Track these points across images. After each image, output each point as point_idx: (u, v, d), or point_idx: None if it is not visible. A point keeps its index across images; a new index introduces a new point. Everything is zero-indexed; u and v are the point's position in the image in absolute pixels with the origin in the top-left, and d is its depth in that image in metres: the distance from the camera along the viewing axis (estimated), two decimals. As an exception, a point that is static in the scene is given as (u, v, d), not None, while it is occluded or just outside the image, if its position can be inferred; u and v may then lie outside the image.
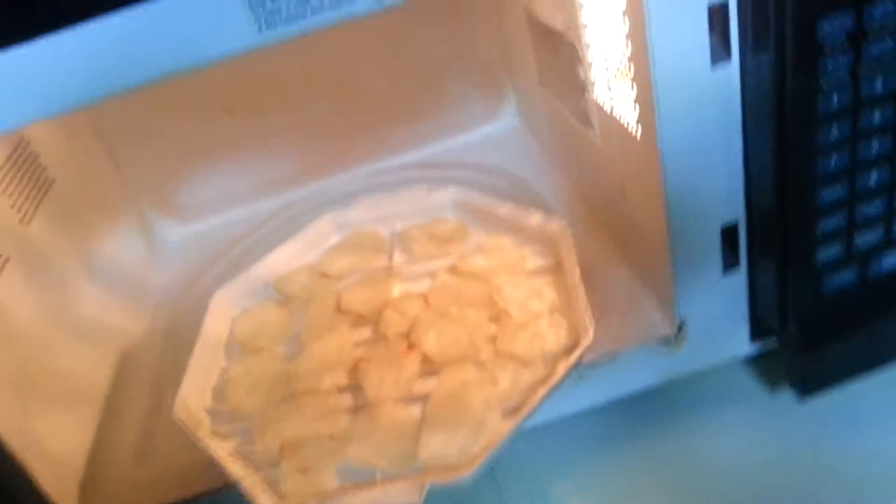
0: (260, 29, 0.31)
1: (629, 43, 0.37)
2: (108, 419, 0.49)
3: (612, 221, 0.51)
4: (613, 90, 0.43)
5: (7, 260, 0.47)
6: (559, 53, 0.49)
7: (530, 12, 0.55)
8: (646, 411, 0.47)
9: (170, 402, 0.43)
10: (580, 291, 0.44)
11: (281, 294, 0.53)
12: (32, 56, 0.30)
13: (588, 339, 0.41)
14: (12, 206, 0.50)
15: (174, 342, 0.52)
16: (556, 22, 0.49)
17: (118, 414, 0.49)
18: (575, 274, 0.45)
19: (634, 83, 0.38)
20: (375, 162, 0.69)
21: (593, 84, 0.46)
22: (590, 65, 0.45)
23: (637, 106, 0.39)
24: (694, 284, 0.42)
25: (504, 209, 0.53)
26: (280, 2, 0.31)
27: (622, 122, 0.42)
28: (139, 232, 0.67)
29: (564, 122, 0.56)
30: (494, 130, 0.69)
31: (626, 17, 0.36)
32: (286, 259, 0.55)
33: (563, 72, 0.50)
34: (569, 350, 0.42)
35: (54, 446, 0.43)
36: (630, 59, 0.38)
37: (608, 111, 0.44)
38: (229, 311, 0.52)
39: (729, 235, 0.40)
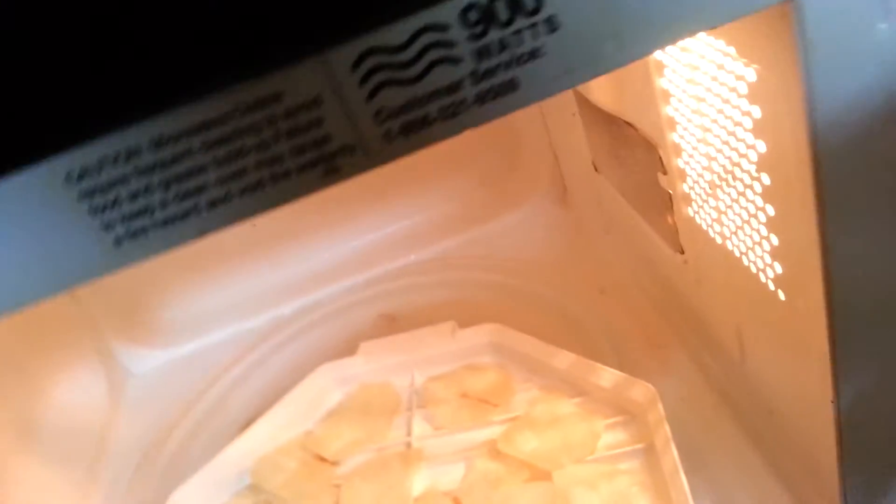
0: (118, 242, 0.17)
1: (767, 175, 0.22)
2: None
3: (727, 384, 0.35)
4: (726, 222, 0.27)
5: None
6: (628, 145, 0.34)
7: (578, 91, 0.39)
8: None
9: None
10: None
11: (261, 490, 0.39)
12: None
13: None
14: None
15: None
16: (624, 114, 0.33)
17: None
18: (679, 479, 0.30)
19: (772, 234, 0.23)
20: (392, 261, 0.55)
21: (687, 200, 0.31)
22: (681, 174, 0.30)
23: (778, 264, 0.24)
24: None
25: (563, 360, 0.38)
26: (148, 197, 0.17)
27: (748, 268, 0.27)
28: (100, 371, 0.53)
29: (636, 228, 0.40)
30: (531, 214, 0.53)
31: (759, 140, 0.21)
32: (270, 431, 0.41)
33: (636, 170, 0.35)
34: None
35: None
36: (767, 196, 0.23)
37: (715, 242, 0.29)
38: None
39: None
